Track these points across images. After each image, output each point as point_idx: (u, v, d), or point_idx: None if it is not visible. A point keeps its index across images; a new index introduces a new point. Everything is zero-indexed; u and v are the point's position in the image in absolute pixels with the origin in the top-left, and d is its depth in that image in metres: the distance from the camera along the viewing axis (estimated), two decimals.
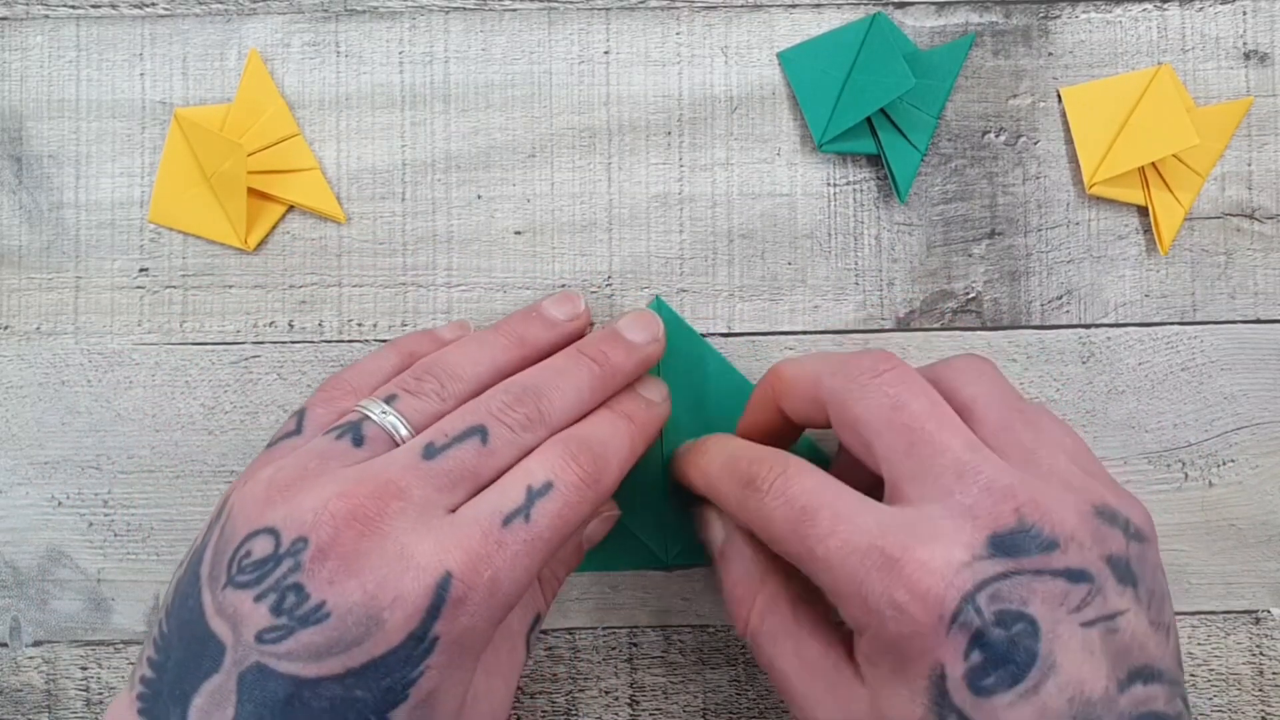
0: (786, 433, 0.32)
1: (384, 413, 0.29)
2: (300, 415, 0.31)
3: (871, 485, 0.28)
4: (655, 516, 0.35)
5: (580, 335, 0.33)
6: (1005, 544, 0.25)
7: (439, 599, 0.25)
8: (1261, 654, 0.36)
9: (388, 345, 0.33)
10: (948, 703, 0.25)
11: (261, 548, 0.26)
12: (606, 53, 0.36)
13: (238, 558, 0.26)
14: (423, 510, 0.26)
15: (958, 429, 0.27)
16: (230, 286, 0.36)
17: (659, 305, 0.36)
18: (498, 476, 0.28)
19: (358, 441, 0.28)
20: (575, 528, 0.28)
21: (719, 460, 0.31)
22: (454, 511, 0.27)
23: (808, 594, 0.30)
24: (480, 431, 0.28)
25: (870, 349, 0.30)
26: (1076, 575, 0.25)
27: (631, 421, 0.31)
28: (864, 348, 0.36)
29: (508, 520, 0.26)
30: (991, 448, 0.27)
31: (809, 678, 0.28)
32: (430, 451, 0.27)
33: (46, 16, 0.36)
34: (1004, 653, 0.24)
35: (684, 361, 0.35)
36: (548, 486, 0.27)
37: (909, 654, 0.25)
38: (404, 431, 0.29)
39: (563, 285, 0.36)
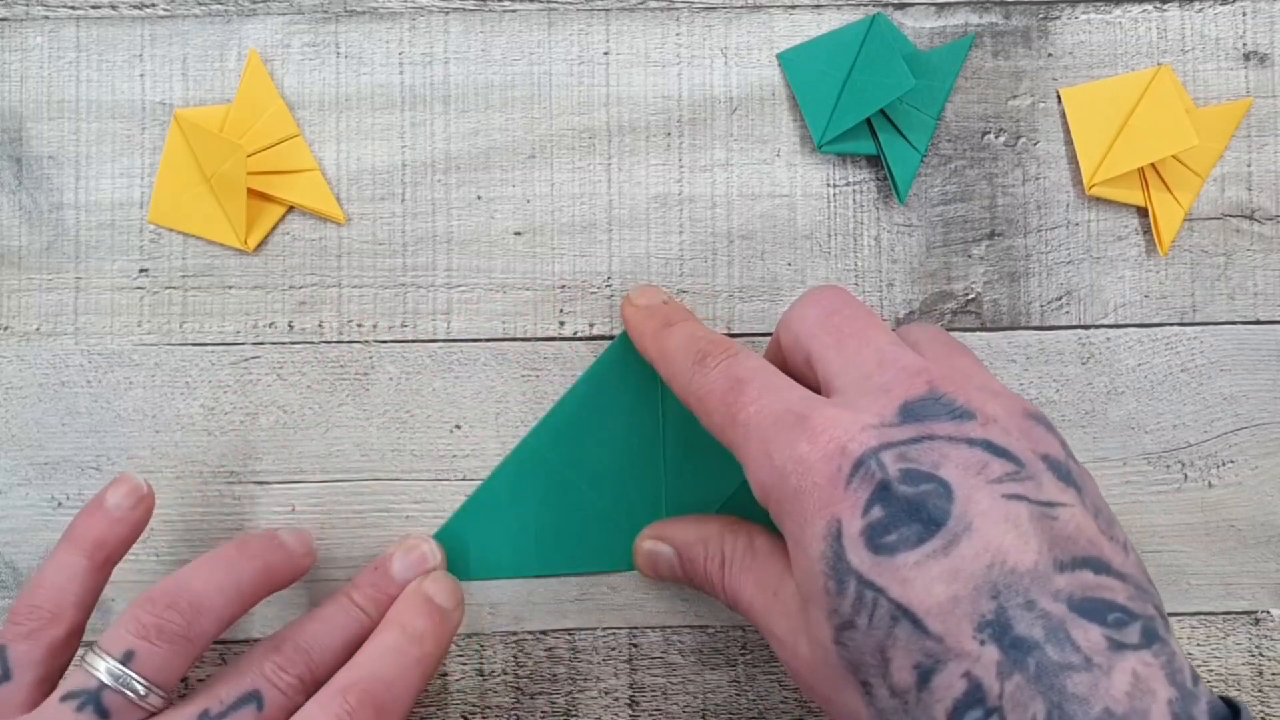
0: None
1: (123, 677, 0.28)
2: (2, 657, 0.29)
3: None
4: (653, 517, 0.35)
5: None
6: (915, 410, 0.25)
7: None
8: (1261, 654, 0.36)
9: (64, 542, 0.31)
10: (844, 565, 0.24)
11: None
12: (606, 53, 0.36)
13: None
14: None
15: (887, 331, 0.28)
16: (230, 287, 0.36)
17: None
18: None
19: (102, 714, 0.27)
20: None
21: (680, 337, 0.31)
22: None
23: (761, 530, 0.30)
24: (255, 699, 0.28)
25: (824, 285, 0.30)
26: (999, 450, 0.24)
27: (422, 646, 0.30)
28: None
29: None
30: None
31: (767, 598, 0.28)
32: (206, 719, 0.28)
33: (46, 17, 0.36)
34: (909, 509, 0.23)
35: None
36: None
37: (806, 511, 0.25)
38: (152, 699, 0.28)
39: (563, 286, 0.36)
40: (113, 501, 0.31)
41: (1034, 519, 0.23)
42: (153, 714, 0.28)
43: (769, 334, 0.36)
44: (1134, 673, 0.21)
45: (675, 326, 0.32)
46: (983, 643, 0.22)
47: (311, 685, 0.29)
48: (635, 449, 0.35)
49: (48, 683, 0.29)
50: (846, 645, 0.24)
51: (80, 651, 0.30)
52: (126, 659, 0.28)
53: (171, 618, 0.29)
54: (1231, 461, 0.36)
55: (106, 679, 0.28)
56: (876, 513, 0.24)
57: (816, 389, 0.28)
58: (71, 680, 0.28)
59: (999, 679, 0.22)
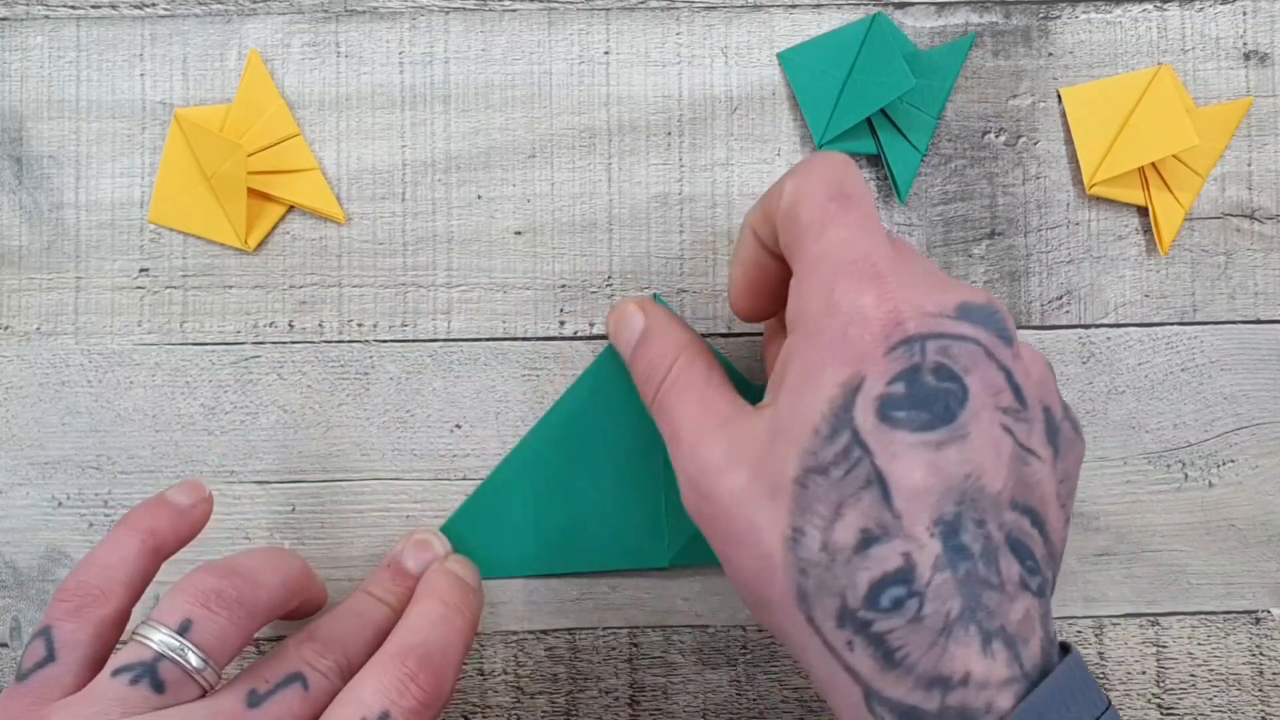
0: (775, 273, 0.31)
1: (179, 648, 0.27)
2: (47, 637, 0.28)
3: None
4: (654, 517, 0.35)
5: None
6: (972, 312, 0.26)
7: None
8: (1261, 654, 0.36)
9: (120, 527, 0.30)
10: (847, 417, 0.25)
11: None
12: (606, 53, 0.36)
13: None
14: None
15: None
16: (230, 287, 0.36)
17: (656, 301, 0.36)
18: (317, 715, 0.28)
19: (157, 688, 0.27)
20: None
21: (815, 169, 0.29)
22: None
23: (718, 364, 0.30)
24: (299, 678, 0.28)
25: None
26: (1014, 386, 0.26)
27: (462, 615, 0.30)
28: None
29: None
30: None
31: (705, 418, 0.28)
32: (255, 699, 0.27)
33: (46, 17, 0.36)
34: (926, 398, 0.25)
35: None
36: (384, 718, 0.27)
37: (836, 358, 0.25)
38: (208, 674, 0.27)
39: (563, 285, 0.36)
40: (174, 496, 0.31)
41: (1013, 456, 0.25)
42: (205, 692, 0.27)
43: None
44: (1027, 610, 0.25)
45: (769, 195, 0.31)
46: (932, 535, 0.24)
47: (348, 673, 0.29)
48: (635, 448, 0.35)
49: (95, 664, 0.28)
50: (805, 486, 0.25)
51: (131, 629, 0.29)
52: (184, 629, 0.27)
53: (232, 582, 0.28)
54: (1232, 461, 0.36)
55: (162, 649, 0.27)
56: (898, 388, 0.25)
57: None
58: (124, 654, 0.27)
59: (932, 570, 0.24)
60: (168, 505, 0.31)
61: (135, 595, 0.29)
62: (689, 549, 0.35)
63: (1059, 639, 0.26)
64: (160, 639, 0.27)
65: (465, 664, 0.35)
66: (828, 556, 0.25)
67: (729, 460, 0.27)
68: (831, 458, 0.25)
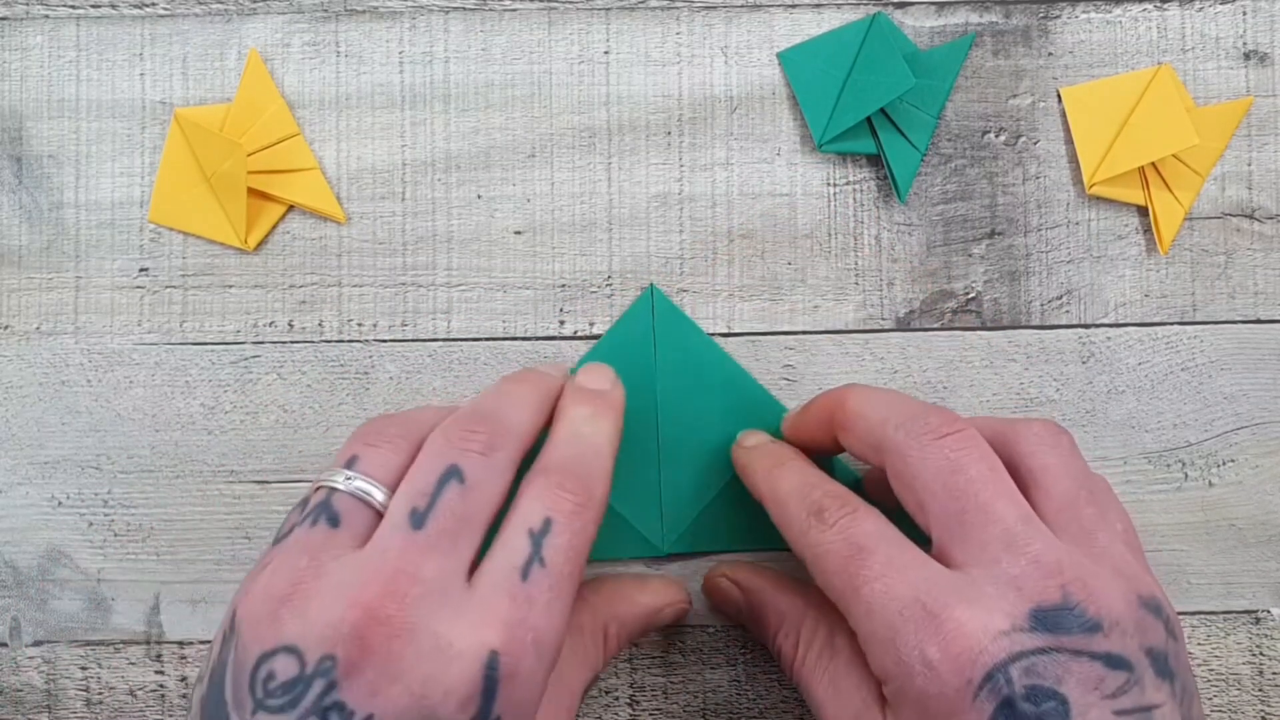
0: (831, 450, 0.32)
1: (349, 479, 0.27)
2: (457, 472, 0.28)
3: (901, 517, 0.28)
4: (652, 505, 0.35)
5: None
6: (1047, 619, 0.25)
7: (490, 680, 0.24)
8: (1261, 654, 0.36)
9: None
10: None
11: (284, 669, 0.24)
12: (606, 53, 0.36)
13: (260, 680, 0.24)
14: (443, 588, 0.25)
15: (1014, 499, 0.27)
16: (230, 286, 0.36)
17: (653, 293, 0.36)
18: (491, 507, 0.27)
19: (333, 521, 0.27)
20: (589, 549, 0.27)
21: (793, 481, 0.30)
22: (471, 570, 0.26)
23: (843, 629, 0.30)
24: (455, 473, 0.27)
25: (939, 407, 0.29)
26: (1116, 661, 0.25)
27: (596, 427, 0.30)
28: (864, 348, 0.36)
29: (525, 573, 0.26)
30: (1051, 523, 0.27)
31: (840, 709, 0.28)
32: (418, 519, 0.26)
33: (46, 16, 0.36)
34: None
35: (682, 353, 0.35)
36: (548, 525, 0.27)
37: (931, 713, 0.25)
38: (378, 496, 0.27)
39: (563, 285, 0.36)
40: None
41: None
42: (380, 516, 0.27)
43: (769, 333, 0.36)
44: None
45: (786, 467, 0.31)
46: None
47: (510, 444, 0.28)
48: (630, 436, 0.35)
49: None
50: None
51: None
52: (350, 464, 0.28)
53: (389, 426, 0.29)
54: (1232, 460, 0.36)
55: (336, 484, 0.27)
56: None
57: (926, 527, 0.28)
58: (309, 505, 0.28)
59: None
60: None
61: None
62: (685, 537, 0.35)
63: None
64: (337, 477, 0.28)
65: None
66: None
67: None
68: None
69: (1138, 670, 0.25)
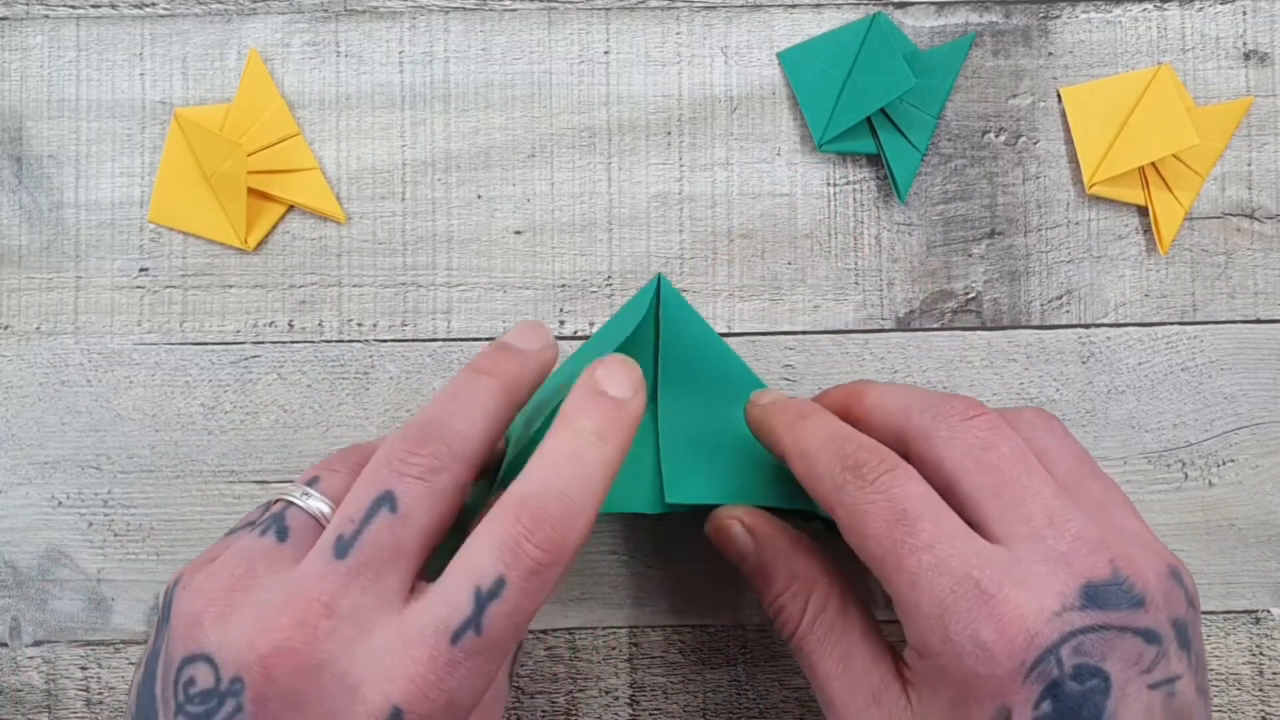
0: None
1: (306, 495, 0.27)
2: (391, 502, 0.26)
3: None
4: (646, 463, 0.33)
5: (551, 364, 0.30)
6: (1098, 596, 0.25)
7: None
8: (1261, 654, 0.36)
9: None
10: None
11: (203, 678, 0.24)
12: (606, 53, 0.36)
13: (182, 683, 0.24)
14: (359, 621, 0.24)
15: (1045, 477, 0.27)
16: (230, 286, 0.36)
17: (660, 282, 0.35)
18: (427, 536, 0.25)
19: (281, 535, 0.26)
20: (540, 607, 0.25)
21: (822, 434, 0.28)
22: (405, 601, 0.25)
23: (856, 599, 0.29)
24: (387, 500, 0.25)
25: (957, 395, 0.29)
26: (1151, 636, 0.25)
27: (599, 447, 0.26)
28: (864, 348, 0.36)
29: (456, 636, 0.23)
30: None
31: (852, 687, 0.28)
32: (341, 548, 0.24)
33: (46, 16, 0.36)
34: (1074, 707, 0.24)
35: (686, 342, 0.35)
36: (499, 585, 0.24)
37: (976, 692, 0.25)
38: (329, 512, 0.27)
39: (563, 285, 0.36)
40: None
41: (1163, 701, 0.25)
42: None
43: (768, 333, 0.36)
44: None
45: (812, 419, 0.29)
46: None
47: (456, 466, 0.26)
48: None
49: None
50: None
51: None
52: (312, 482, 0.27)
53: (353, 452, 0.29)
54: (1232, 460, 0.36)
55: (294, 498, 0.27)
56: (1046, 708, 0.24)
57: (952, 508, 0.27)
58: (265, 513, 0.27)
59: None
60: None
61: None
62: (683, 489, 0.33)
63: None
64: (297, 491, 0.27)
65: None
66: None
67: None
68: None
69: (1165, 642, 0.25)
